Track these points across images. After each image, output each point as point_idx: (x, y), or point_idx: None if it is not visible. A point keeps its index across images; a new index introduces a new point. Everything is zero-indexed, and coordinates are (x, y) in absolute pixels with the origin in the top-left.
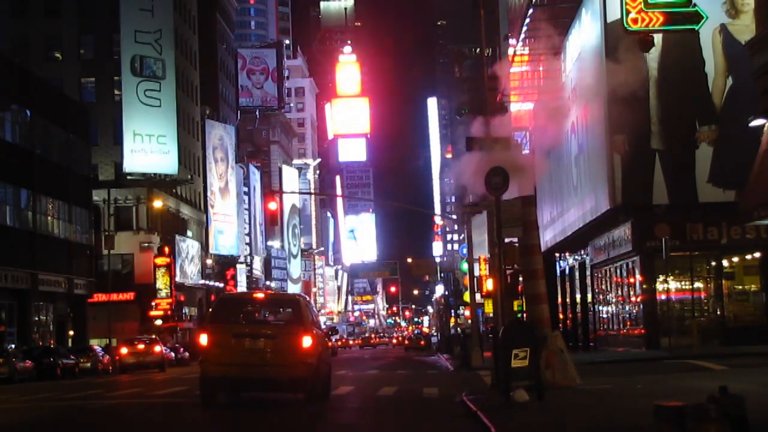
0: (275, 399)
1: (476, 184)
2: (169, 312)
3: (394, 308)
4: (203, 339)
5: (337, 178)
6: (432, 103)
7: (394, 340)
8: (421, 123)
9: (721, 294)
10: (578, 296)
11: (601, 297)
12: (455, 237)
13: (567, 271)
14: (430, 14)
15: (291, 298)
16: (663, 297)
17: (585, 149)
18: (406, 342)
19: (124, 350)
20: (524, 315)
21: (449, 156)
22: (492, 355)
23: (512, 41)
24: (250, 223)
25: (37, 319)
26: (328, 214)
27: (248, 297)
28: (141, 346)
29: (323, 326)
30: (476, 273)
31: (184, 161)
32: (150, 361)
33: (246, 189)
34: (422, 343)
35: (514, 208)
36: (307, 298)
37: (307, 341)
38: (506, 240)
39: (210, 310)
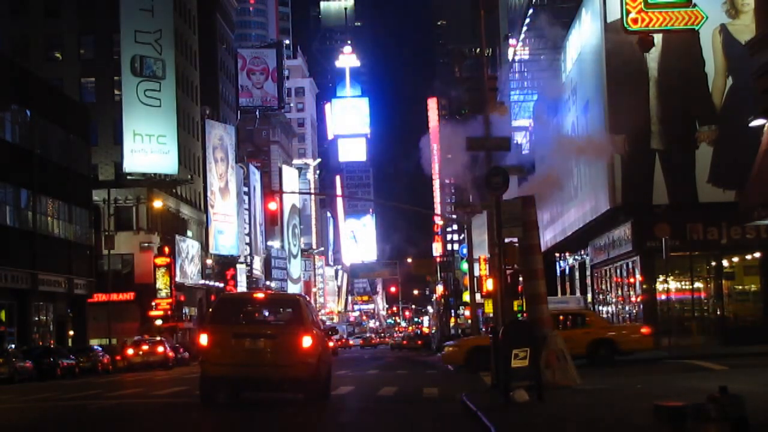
0: (275, 399)
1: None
2: (169, 312)
3: (394, 308)
4: (203, 339)
5: (337, 178)
6: (432, 103)
7: (391, 341)
8: (421, 123)
9: (721, 294)
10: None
11: (601, 297)
12: (455, 237)
13: (567, 271)
14: (430, 14)
15: (291, 298)
16: (663, 297)
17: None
18: (404, 342)
19: (130, 351)
20: (524, 315)
21: (449, 156)
22: (492, 355)
23: (512, 41)
24: (250, 223)
25: (37, 319)
26: (328, 214)
27: (248, 297)
28: (146, 347)
29: (323, 326)
30: (476, 273)
31: (184, 161)
32: (154, 361)
33: (246, 189)
34: (420, 342)
35: (514, 208)
36: (307, 298)
37: (307, 341)
38: (506, 240)
39: (210, 310)
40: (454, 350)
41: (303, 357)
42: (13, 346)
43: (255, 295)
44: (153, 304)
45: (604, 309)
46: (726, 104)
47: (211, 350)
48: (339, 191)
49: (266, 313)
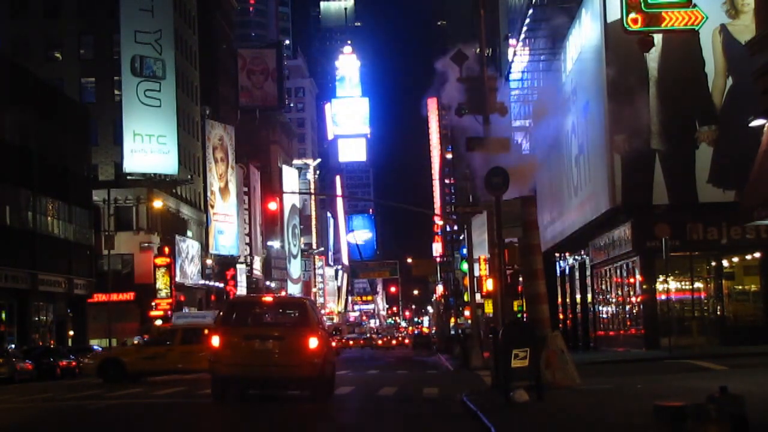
0: (280, 397)
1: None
2: (169, 312)
3: (394, 308)
4: (215, 340)
5: (337, 178)
6: (432, 103)
7: (380, 341)
8: (421, 123)
9: (721, 294)
10: (578, 296)
11: (601, 297)
12: (455, 237)
13: (567, 271)
14: (430, 14)
15: (298, 301)
16: (663, 297)
17: (585, 149)
18: (393, 342)
19: None
20: (524, 315)
21: (449, 156)
22: (492, 355)
23: (512, 41)
24: (250, 223)
25: (37, 319)
26: (328, 214)
27: (257, 300)
28: None
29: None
30: (476, 273)
31: (184, 161)
32: None
33: (246, 189)
34: (396, 342)
35: (514, 208)
36: (313, 301)
37: (313, 342)
38: (506, 240)
39: (221, 313)
40: (89, 362)
41: (309, 357)
42: (13, 346)
43: (263, 298)
44: (153, 304)
45: (604, 309)
46: (726, 104)
47: (223, 351)
48: (339, 191)
49: (274, 316)
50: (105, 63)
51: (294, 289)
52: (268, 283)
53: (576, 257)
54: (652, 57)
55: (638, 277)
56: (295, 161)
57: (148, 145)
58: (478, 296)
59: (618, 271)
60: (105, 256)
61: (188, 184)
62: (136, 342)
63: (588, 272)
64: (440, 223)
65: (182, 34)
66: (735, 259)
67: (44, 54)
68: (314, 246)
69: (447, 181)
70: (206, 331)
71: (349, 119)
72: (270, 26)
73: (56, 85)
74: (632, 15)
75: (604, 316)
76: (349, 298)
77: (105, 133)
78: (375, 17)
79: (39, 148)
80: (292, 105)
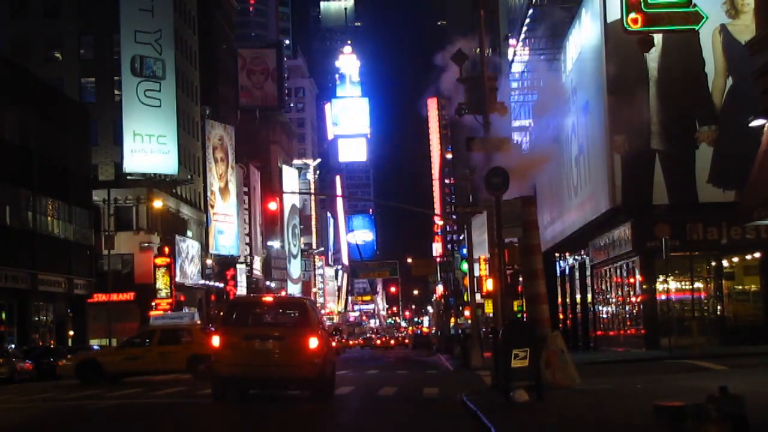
0: (280, 397)
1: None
2: (169, 312)
3: (394, 308)
4: (215, 341)
5: (337, 178)
6: (432, 103)
7: (378, 341)
8: (421, 123)
9: (721, 294)
10: (578, 296)
11: (601, 297)
12: (455, 237)
13: (567, 271)
14: (430, 14)
15: (298, 301)
16: (663, 297)
17: (585, 149)
18: (392, 342)
19: None
20: (524, 315)
21: (449, 156)
22: (492, 355)
23: (512, 41)
24: (250, 223)
25: (37, 319)
26: (328, 214)
27: (258, 300)
28: None
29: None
30: (476, 273)
31: (184, 161)
32: None
33: (246, 189)
34: (407, 341)
35: (514, 208)
36: (313, 301)
37: (313, 342)
38: (506, 240)
39: (221, 313)
40: (67, 363)
41: (309, 357)
42: (13, 346)
43: (264, 299)
44: (153, 304)
45: (604, 309)
46: (726, 104)
47: (223, 351)
48: (339, 191)
49: (274, 316)
50: (105, 63)
51: (294, 289)
52: (268, 283)
53: (576, 257)
54: (652, 57)
55: (638, 277)
56: (295, 161)
57: (148, 145)
58: (478, 296)
59: (618, 271)
60: (105, 256)
61: (188, 184)
62: None
63: (588, 272)
64: (440, 223)
65: (182, 34)
66: (735, 259)
67: (44, 54)
68: (314, 246)
69: (447, 181)
70: (212, 330)
71: (349, 119)
72: (270, 26)
73: (56, 85)
74: (632, 15)
75: (604, 316)
76: (349, 298)
77: (105, 133)
78: (375, 17)
79: (39, 148)
80: (292, 105)
